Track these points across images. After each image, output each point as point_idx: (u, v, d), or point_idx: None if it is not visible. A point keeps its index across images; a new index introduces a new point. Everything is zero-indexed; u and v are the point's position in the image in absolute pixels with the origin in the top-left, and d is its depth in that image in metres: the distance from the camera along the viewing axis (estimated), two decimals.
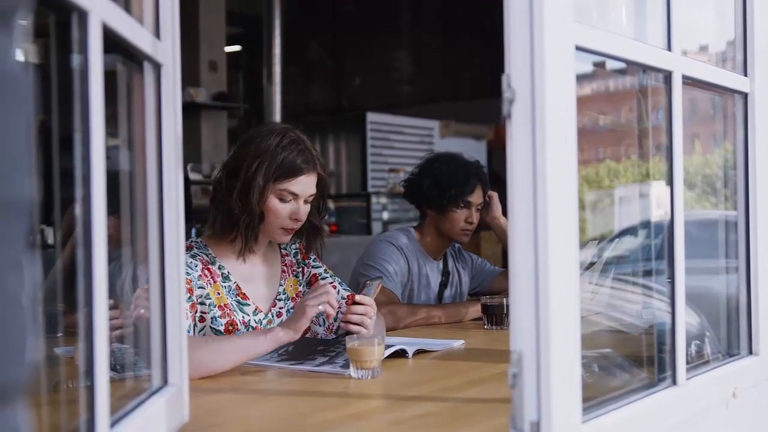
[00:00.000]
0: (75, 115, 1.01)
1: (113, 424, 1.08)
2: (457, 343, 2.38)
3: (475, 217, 3.05)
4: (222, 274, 2.24)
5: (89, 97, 1.01)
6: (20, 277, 0.57)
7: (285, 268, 2.41)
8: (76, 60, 1.01)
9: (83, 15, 1.00)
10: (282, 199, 2.22)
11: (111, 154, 1.08)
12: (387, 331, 2.66)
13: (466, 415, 1.59)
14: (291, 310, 2.34)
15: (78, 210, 1.01)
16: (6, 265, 0.55)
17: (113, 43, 1.12)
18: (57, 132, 1.01)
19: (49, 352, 1.33)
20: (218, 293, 2.21)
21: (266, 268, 2.36)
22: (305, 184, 2.24)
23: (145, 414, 1.22)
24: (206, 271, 2.21)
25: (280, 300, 2.36)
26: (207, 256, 2.25)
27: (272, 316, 2.31)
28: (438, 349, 2.29)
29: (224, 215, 2.23)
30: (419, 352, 2.21)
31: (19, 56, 0.60)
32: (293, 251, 2.45)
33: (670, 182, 1.56)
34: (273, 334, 2.01)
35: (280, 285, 2.38)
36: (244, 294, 2.27)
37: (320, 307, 2.03)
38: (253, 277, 2.32)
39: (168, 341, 1.38)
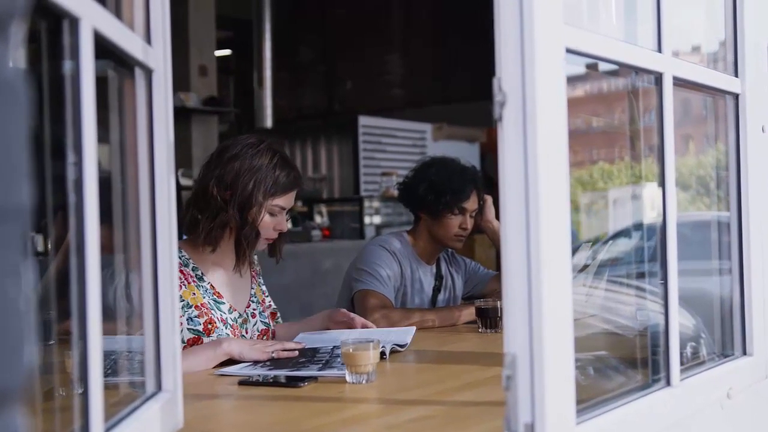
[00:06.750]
0: (66, 120, 1.00)
1: (107, 430, 1.07)
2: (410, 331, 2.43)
3: (469, 223, 3.04)
4: (196, 275, 2.32)
5: (81, 102, 1.01)
6: (18, 282, 0.57)
7: (254, 274, 2.53)
8: (67, 66, 1.01)
9: (74, 21, 1.00)
10: (271, 214, 2.33)
11: (101, 160, 1.07)
12: None
13: (461, 418, 1.59)
14: (263, 313, 2.47)
15: (70, 217, 1.01)
16: (5, 271, 0.55)
17: (103, 48, 1.11)
18: (48, 138, 1.01)
19: (46, 359, 1.32)
20: (194, 294, 2.28)
21: (239, 272, 2.43)
22: (292, 198, 2.38)
23: (140, 420, 1.22)
24: (179, 274, 2.25)
25: (253, 302, 2.47)
26: (180, 258, 2.29)
27: (247, 316, 2.42)
28: (401, 341, 2.30)
29: (218, 227, 2.29)
30: (395, 351, 2.24)
31: (15, 63, 0.60)
32: (255, 261, 2.57)
33: (662, 183, 1.57)
34: (220, 348, 2.10)
35: (252, 288, 2.49)
36: (219, 293, 2.35)
37: (274, 353, 2.15)
38: (227, 280, 2.40)
39: (161, 347, 1.37)
